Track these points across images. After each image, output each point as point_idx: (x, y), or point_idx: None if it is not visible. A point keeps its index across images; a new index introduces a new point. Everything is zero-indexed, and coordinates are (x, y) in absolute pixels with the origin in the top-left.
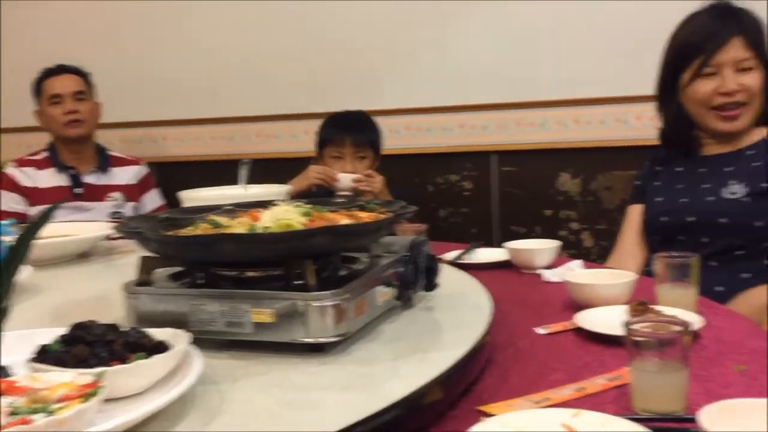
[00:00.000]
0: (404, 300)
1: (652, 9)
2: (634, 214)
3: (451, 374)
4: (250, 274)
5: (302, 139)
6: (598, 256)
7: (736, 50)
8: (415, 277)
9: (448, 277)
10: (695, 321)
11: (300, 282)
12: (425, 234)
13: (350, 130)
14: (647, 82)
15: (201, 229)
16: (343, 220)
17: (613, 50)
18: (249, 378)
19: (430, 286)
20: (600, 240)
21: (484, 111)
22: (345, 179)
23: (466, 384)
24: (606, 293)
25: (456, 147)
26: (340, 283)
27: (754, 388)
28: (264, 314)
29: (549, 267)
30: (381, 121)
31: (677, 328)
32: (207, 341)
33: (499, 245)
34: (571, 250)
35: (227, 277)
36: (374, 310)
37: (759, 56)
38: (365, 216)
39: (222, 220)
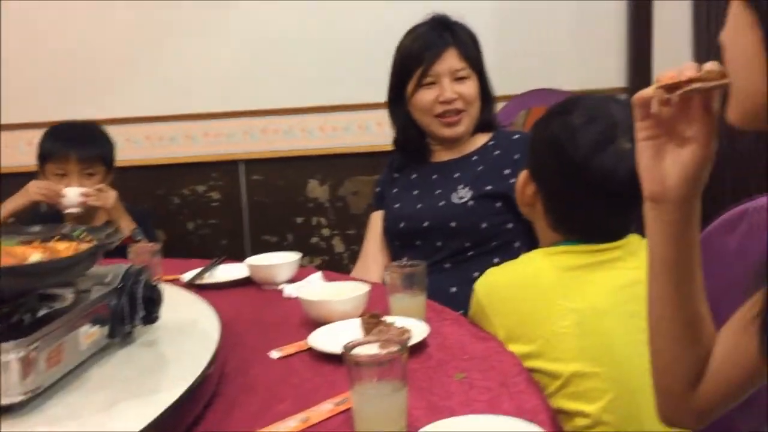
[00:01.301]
0: (120, 337)
1: (388, 18)
2: (376, 220)
3: (165, 419)
4: None
5: (25, 151)
6: (349, 260)
7: (451, 61)
8: (132, 311)
9: (176, 303)
10: (422, 330)
11: None
12: (159, 253)
13: (75, 144)
14: (384, 90)
15: None
16: (35, 255)
17: (353, 58)
18: None
19: (150, 318)
20: (351, 245)
21: (230, 118)
22: (72, 194)
23: (186, 426)
24: (339, 308)
25: (201, 156)
26: (30, 329)
27: (472, 396)
28: None
29: (291, 281)
30: (117, 131)
31: (394, 348)
32: None
33: (251, 256)
34: (324, 255)
35: None
36: (78, 356)
37: (473, 66)
38: (64, 248)
39: None
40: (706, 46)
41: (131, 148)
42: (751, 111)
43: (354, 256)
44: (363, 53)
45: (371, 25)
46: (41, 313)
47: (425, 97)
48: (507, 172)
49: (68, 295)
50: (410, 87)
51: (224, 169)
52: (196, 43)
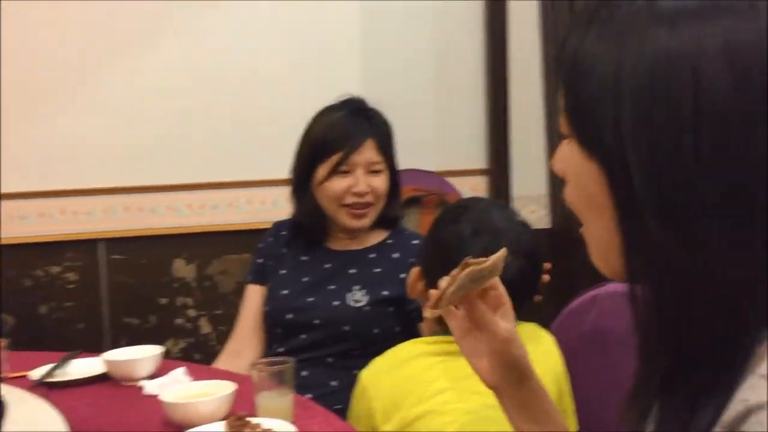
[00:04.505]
0: None
1: (252, 96)
2: (254, 296)
3: None
4: None
5: None
6: (217, 341)
7: (369, 153)
8: None
9: (21, 412)
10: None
11: None
12: (6, 348)
13: None
14: (255, 168)
15: None
16: None
17: (221, 136)
18: None
19: None
20: (219, 325)
21: (89, 196)
22: None
23: None
24: (203, 410)
25: (56, 235)
26: None
27: None
28: None
29: (152, 376)
30: None
31: None
32: None
33: (110, 339)
34: (189, 338)
35: None
36: None
37: (387, 160)
38: None
39: None
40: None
41: None
42: (610, 259)
43: (222, 337)
44: (230, 132)
45: (239, 102)
46: None
47: (337, 185)
48: (402, 276)
49: None
50: (321, 172)
51: (82, 248)
52: (49, 116)
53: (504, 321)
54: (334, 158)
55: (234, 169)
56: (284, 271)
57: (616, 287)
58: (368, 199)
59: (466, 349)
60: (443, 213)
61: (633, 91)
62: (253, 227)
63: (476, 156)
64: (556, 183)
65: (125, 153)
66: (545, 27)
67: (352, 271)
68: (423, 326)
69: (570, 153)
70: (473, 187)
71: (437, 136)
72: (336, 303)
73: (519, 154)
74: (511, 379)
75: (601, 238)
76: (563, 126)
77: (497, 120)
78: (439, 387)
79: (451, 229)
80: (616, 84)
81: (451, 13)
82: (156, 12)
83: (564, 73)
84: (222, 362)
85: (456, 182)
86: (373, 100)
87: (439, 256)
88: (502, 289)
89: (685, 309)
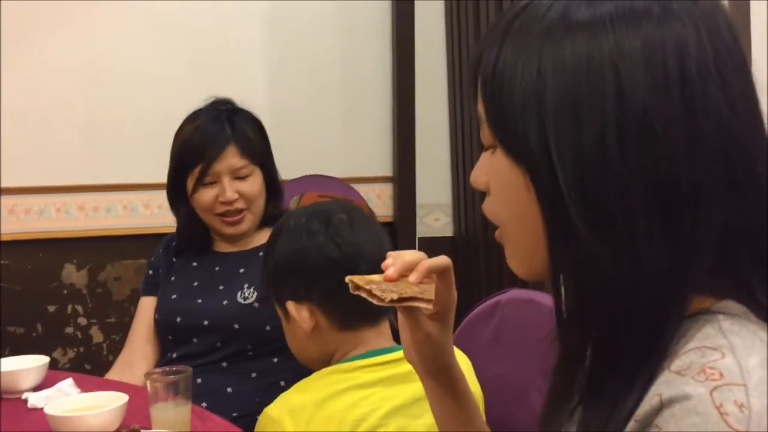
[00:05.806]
0: None
1: (151, 97)
2: (147, 307)
3: None
4: None
5: None
6: (109, 351)
7: (231, 159)
8: None
9: None
10: None
11: None
12: None
13: None
14: (153, 170)
15: None
16: None
17: (117, 135)
18: None
19: None
20: (111, 334)
21: None
22: None
23: None
24: (91, 424)
25: None
26: None
27: None
28: None
29: (37, 388)
30: None
31: None
32: None
33: None
34: (79, 347)
35: None
36: None
37: (255, 161)
38: None
39: None
40: (461, 136)
41: None
42: (533, 264)
43: (115, 347)
44: (127, 131)
45: (136, 103)
46: None
47: (205, 196)
48: None
49: None
50: (190, 184)
51: None
52: None
53: (432, 322)
54: (197, 170)
55: (131, 170)
56: (174, 278)
57: (517, 293)
58: (239, 205)
59: (399, 318)
60: (280, 234)
61: (555, 94)
62: (151, 231)
63: (382, 163)
64: (461, 191)
65: (10, 152)
66: (451, 33)
67: (241, 270)
68: (336, 347)
69: (493, 164)
70: (378, 194)
71: (343, 143)
72: (225, 302)
73: (424, 161)
74: (427, 368)
75: (526, 244)
76: (485, 137)
77: (403, 127)
78: (371, 423)
79: (345, 241)
80: (538, 89)
81: (357, 17)
82: (42, 6)
83: (484, 87)
84: (114, 374)
85: (361, 189)
86: (278, 106)
87: (320, 260)
88: (451, 292)
89: (608, 306)
